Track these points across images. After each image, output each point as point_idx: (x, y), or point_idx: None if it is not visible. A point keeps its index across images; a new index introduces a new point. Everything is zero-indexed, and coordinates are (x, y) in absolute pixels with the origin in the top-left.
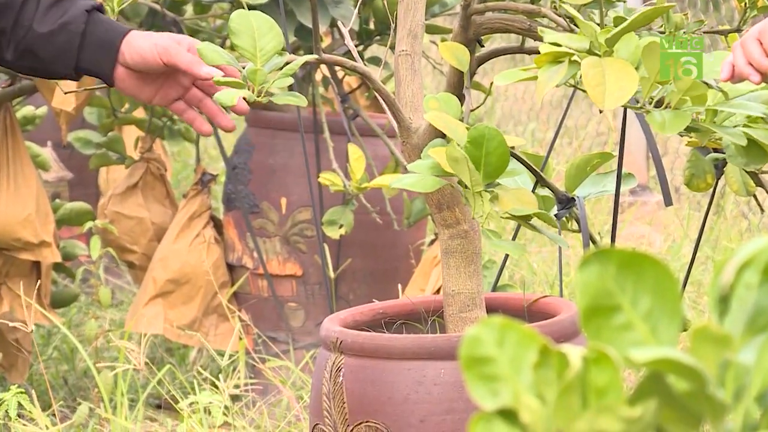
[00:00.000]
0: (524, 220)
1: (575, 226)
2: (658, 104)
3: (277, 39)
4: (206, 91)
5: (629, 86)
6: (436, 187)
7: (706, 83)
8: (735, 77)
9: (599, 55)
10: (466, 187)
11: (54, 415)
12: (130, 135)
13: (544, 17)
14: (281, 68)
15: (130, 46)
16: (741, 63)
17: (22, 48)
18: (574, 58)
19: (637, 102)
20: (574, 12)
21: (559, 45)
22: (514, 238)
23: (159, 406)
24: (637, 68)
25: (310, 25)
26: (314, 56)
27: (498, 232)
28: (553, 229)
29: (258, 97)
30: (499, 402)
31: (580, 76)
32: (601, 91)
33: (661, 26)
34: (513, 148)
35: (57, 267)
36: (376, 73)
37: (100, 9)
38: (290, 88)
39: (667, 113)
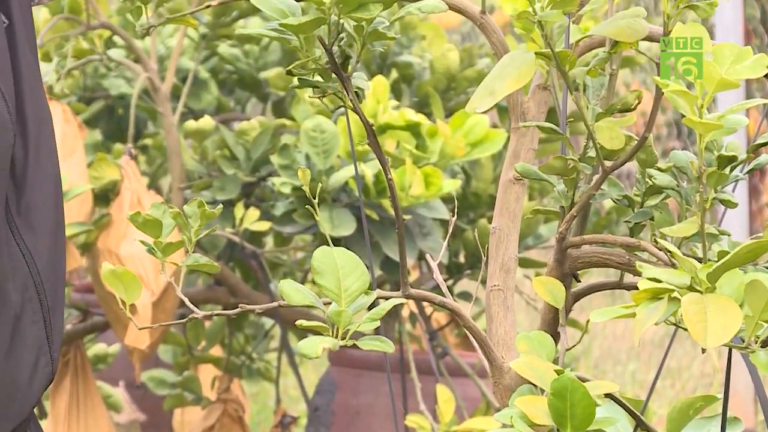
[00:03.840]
0: None
1: None
2: (765, 344)
3: (362, 279)
4: None
5: (732, 324)
6: None
7: None
8: None
9: (701, 292)
10: None
11: None
12: (207, 374)
13: (644, 251)
14: (368, 308)
15: None
16: None
17: None
18: (674, 294)
19: (742, 341)
20: (672, 248)
21: (658, 281)
22: None
23: None
24: (741, 305)
25: (397, 259)
26: (401, 294)
27: None
28: None
29: (342, 340)
30: None
31: (681, 314)
32: (702, 329)
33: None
34: (608, 395)
35: None
36: (466, 309)
37: None
38: None
39: None
